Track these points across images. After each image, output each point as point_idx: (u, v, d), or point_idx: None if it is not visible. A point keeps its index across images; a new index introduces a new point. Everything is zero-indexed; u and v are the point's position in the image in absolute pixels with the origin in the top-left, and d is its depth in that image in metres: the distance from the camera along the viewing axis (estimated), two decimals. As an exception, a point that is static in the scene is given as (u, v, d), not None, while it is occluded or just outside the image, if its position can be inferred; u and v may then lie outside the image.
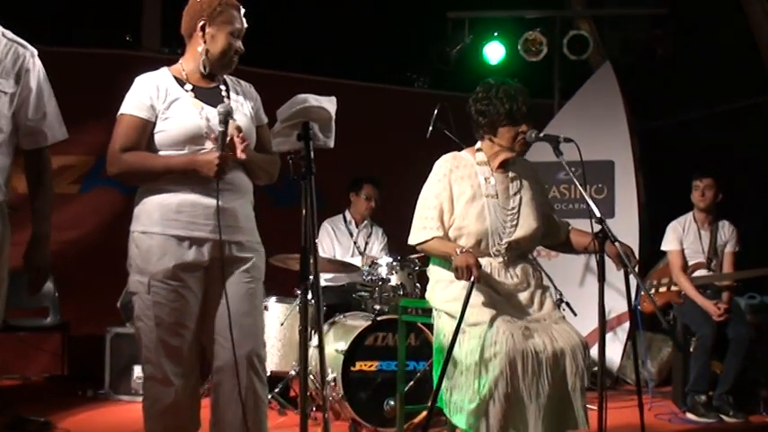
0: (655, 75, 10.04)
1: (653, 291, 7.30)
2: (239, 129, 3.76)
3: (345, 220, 7.53)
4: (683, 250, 7.01)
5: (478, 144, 4.49)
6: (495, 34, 9.55)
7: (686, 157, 9.36)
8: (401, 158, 8.73)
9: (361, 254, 7.34)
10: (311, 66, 9.84)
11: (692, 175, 7.14)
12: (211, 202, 3.73)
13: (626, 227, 8.53)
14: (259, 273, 3.96)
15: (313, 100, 3.50)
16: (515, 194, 4.41)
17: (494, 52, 9.57)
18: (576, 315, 7.03)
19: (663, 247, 7.18)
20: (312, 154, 3.45)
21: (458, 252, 4.15)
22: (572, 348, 4.14)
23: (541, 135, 4.25)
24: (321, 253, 7.28)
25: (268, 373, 6.22)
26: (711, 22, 9.24)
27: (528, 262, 4.44)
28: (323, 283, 7.28)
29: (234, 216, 3.83)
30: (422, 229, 4.37)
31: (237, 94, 4.00)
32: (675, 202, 7.43)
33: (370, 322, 6.01)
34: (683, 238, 7.03)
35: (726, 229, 7.02)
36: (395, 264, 6.28)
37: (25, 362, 8.20)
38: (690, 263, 7.01)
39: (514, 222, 4.35)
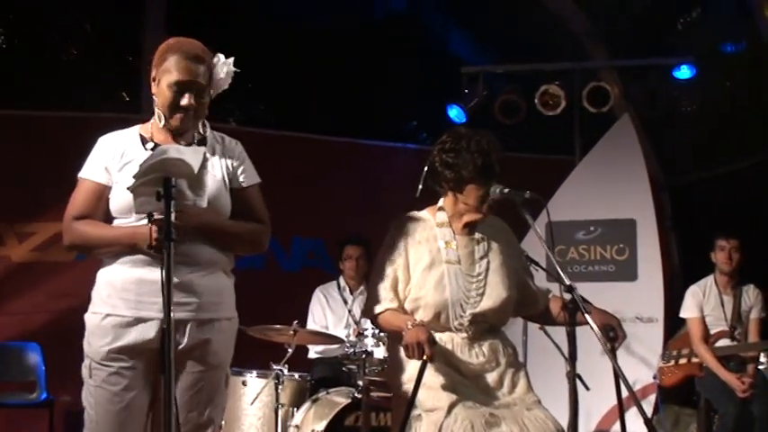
0: (686, 127, 9.46)
1: (672, 362, 6.68)
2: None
3: (339, 287, 7.02)
4: (703, 318, 6.40)
5: (441, 201, 3.97)
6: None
7: (723, 214, 8.73)
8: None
9: (356, 323, 6.80)
10: (321, 124, 9.51)
11: (716, 235, 6.55)
12: (159, 276, 3.18)
13: (649, 291, 7.98)
14: (217, 358, 3.43)
15: (173, 152, 3.00)
16: (482, 259, 3.86)
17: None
18: (588, 389, 6.43)
19: (682, 314, 6.58)
20: (173, 216, 2.91)
21: (408, 326, 3.62)
22: (546, 440, 3.57)
23: (506, 191, 3.70)
24: (311, 323, 6.80)
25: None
26: (740, 69, 8.67)
27: (498, 337, 3.87)
28: (313, 356, 6.80)
29: (190, 291, 3.34)
30: (375, 301, 3.85)
31: (213, 153, 3.51)
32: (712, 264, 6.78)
33: (350, 400, 5.48)
34: (704, 304, 6.43)
35: (750, 294, 6.40)
36: (382, 334, 5.73)
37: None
38: (711, 331, 6.40)
39: (480, 291, 3.80)
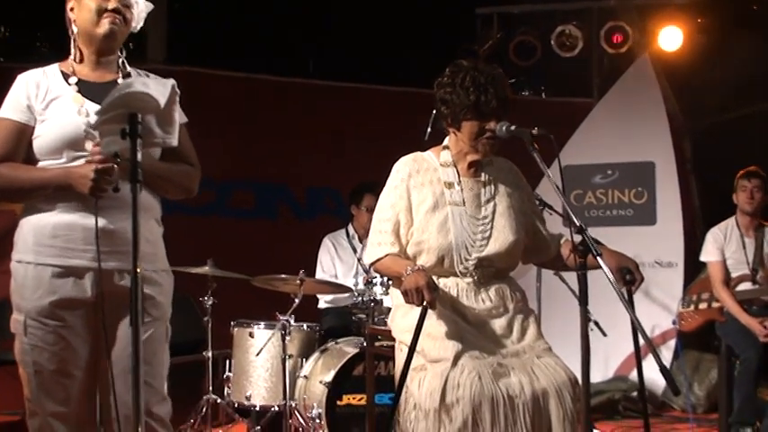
0: (708, 67, 9.15)
1: (692, 307, 6.48)
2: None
3: (348, 235, 6.82)
4: (724, 261, 6.18)
5: (446, 140, 3.77)
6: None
7: (746, 156, 8.46)
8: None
9: (366, 272, 6.61)
10: (332, 71, 9.29)
11: (739, 175, 6.32)
12: (93, 222, 3.03)
13: (668, 235, 7.81)
14: (160, 310, 3.24)
15: (138, 85, 2.77)
16: (488, 202, 3.66)
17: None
18: (605, 335, 6.27)
19: (702, 258, 6.36)
20: (140, 155, 2.69)
21: (408, 271, 3.43)
22: (557, 388, 3.38)
23: (512, 128, 3.50)
24: (319, 272, 6.63)
25: (256, 407, 5.75)
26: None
27: (505, 282, 3.68)
28: (323, 305, 6.64)
29: (124, 239, 3.07)
30: (375, 246, 3.67)
31: None
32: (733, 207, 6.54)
33: (358, 349, 5.33)
34: (725, 247, 6.20)
35: (772, 236, 6.18)
36: (391, 282, 5.54)
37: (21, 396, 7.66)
38: (733, 275, 6.17)
39: (486, 235, 3.60)
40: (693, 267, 7.35)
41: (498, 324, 3.57)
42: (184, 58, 8.67)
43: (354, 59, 9.41)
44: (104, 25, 3.21)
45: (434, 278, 3.49)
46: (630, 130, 8.00)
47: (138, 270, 2.88)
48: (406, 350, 3.50)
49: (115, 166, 2.91)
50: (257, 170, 8.77)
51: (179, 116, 3.30)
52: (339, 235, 6.85)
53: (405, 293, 3.37)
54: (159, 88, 2.80)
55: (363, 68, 9.36)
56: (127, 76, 3.32)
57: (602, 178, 8.09)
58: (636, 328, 3.23)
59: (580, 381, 5.48)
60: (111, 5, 3.20)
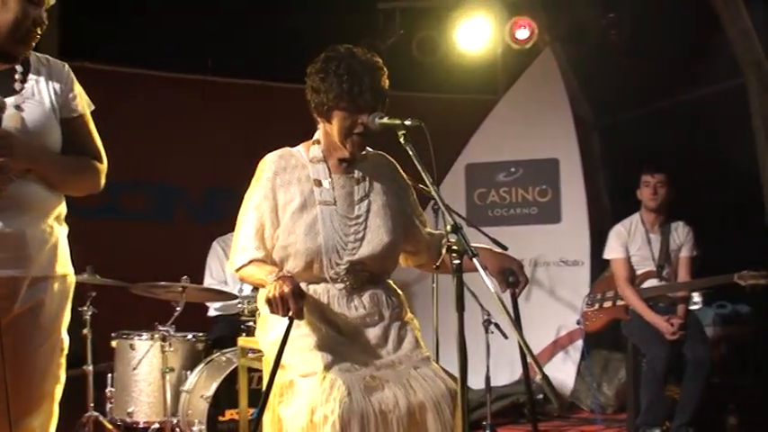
0: (616, 63, 9.01)
1: (596, 306, 6.28)
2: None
3: (239, 239, 6.48)
4: (628, 258, 6.00)
5: (317, 134, 3.47)
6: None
7: (654, 152, 8.32)
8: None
9: (259, 276, 6.28)
10: (231, 68, 8.96)
11: (641, 170, 6.14)
12: None
13: (574, 233, 7.62)
14: (52, 322, 2.96)
15: None
16: (362, 200, 3.37)
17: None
18: (506, 338, 6.02)
19: (605, 255, 6.18)
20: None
21: (272, 278, 3.12)
22: (435, 401, 3.11)
23: (385, 119, 3.21)
24: (208, 278, 6.30)
25: (139, 424, 5.40)
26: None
27: (381, 287, 3.38)
28: (213, 313, 6.31)
29: (22, 243, 2.83)
30: (239, 252, 3.34)
31: (40, 75, 3.00)
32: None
33: (242, 361, 5.02)
34: (629, 243, 6.02)
35: (680, 231, 5.98)
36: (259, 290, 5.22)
37: None
38: (638, 272, 5.99)
39: (359, 236, 3.31)
40: (600, 266, 7.17)
41: (373, 333, 3.28)
42: (78, 52, 8.30)
43: (254, 56, 9.08)
44: (32, 38, 2.94)
45: (303, 285, 3.20)
46: (534, 126, 7.81)
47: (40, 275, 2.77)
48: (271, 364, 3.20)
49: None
50: (153, 171, 8.42)
51: (85, 103, 3.08)
52: (229, 238, 6.48)
53: (268, 302, 3.06)
54: None
55: (263, 65, 9.04)
56: (25, 62, 3.01)
57: (505, 176, 7.88)
58: (522, 343, 2.96)
59: (483, 385, 5.22)
60: (40, 18, 2.93)
